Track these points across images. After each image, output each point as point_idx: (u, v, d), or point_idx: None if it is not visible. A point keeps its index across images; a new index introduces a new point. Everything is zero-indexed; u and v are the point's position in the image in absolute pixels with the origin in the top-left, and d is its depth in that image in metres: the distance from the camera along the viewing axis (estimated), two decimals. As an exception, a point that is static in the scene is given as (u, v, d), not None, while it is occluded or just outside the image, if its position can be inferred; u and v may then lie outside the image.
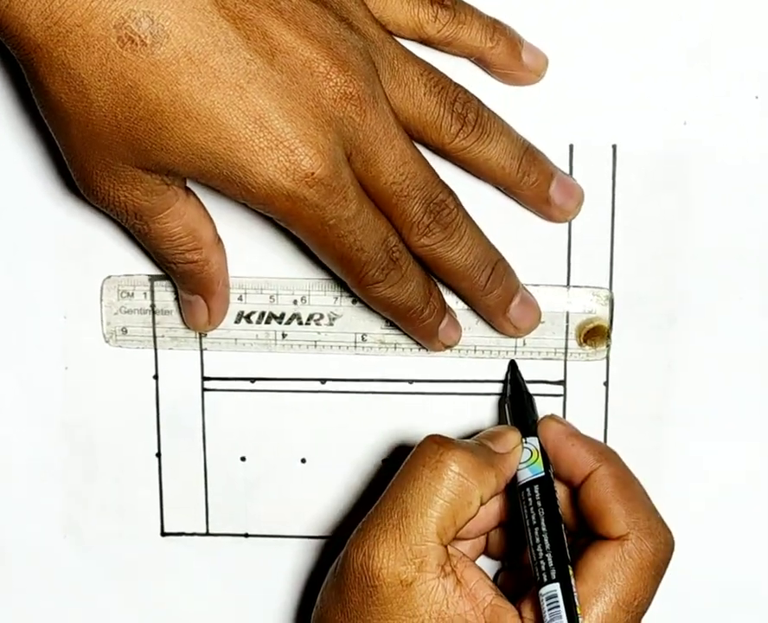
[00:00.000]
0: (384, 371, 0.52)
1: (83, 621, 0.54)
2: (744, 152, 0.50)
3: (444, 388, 0.52)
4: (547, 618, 0.45)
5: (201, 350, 0.52)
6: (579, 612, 0.45)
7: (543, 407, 0.51)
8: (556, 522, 0.47)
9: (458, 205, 0.48)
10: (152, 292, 0.52)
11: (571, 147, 0.50)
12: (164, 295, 0.52)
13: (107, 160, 0.44)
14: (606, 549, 0.46)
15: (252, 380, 0.52)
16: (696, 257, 0.51)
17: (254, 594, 0.54)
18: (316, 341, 0.52)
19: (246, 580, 0.54)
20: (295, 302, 0.51)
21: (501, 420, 0.52)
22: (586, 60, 0.49)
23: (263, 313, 0.52)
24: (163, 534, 0.54)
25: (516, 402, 0.51)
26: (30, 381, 0.52)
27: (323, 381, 0.52)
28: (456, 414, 0.52)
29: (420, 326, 0.49)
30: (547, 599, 0.45)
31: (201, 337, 0.52)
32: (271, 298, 0.51)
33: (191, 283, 0.49)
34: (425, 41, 0.48)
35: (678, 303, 0.51)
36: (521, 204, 0.50)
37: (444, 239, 0.47)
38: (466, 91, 0.48)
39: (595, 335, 0.51)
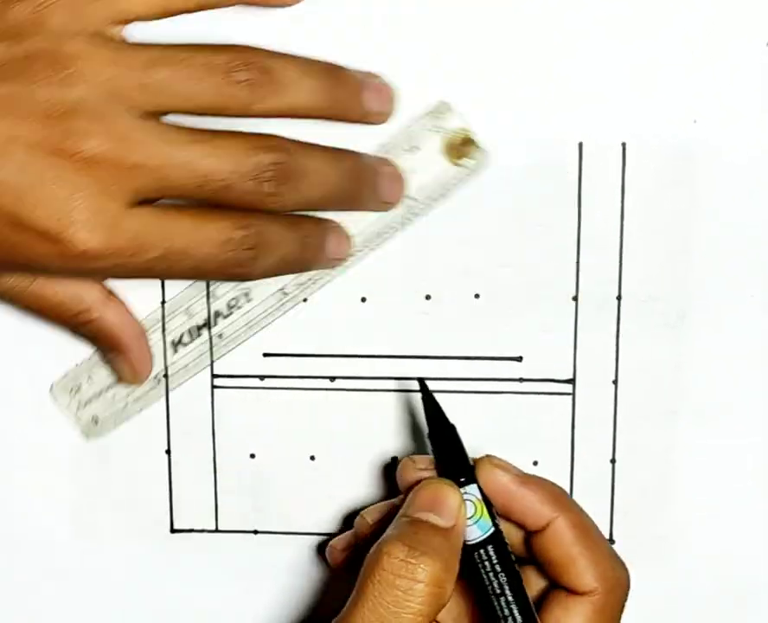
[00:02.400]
0: (393, 369, 0.52)
1: (92, 617, 0.54)
2: (754, 151, 0.50)
3: (453, 386, 0.52)
4: None
5: (211, 347, 0.52)
6: None
7: (552, 406, 0.52)
8: (519, 585, 0.44)
9: (285, 149, 0.45)
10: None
11: (580, 145, 0.50)
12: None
13: None
14: (575, 606, 0.44)
15: (262, 377, 0.52)
16: (706, 255, 0.51)
17: (263, 591, 0.54)
18: (248, 322, 0.51)
19: (256, 576, 0.54)
20: (208, 302, 0.51)
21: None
22: (595, 57, 0.49)
23: (190, 330, 0.52)
24: (173, 531, 0.54)
25: (441, 442, 0.47)
26: (41, 377, 0.53)
27: (333, 378, 0.52)
28: (465, 412, 0.52)
29: (311, 260, 0.48)
30: None
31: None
32: (187, 312, 0.51)
33: (96, 344, 0.49)
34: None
35: (688, 301, 0.51)
36: (527, 206, 0.50)
37: (292, 189, 0.45)
38: (243, 51, 0.45)
39: (467, 146, 0.49)
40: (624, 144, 0.50)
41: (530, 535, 0.46)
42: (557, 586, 0.46)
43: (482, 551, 0.44)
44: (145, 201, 0.44)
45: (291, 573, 0.54)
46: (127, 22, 0.45)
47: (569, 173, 0.50)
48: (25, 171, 0.42)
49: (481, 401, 0.52)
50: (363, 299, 0.52)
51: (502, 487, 0.46)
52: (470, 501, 0.45)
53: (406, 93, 0.49)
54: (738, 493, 0.52)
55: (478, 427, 0.52)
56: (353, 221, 0.50)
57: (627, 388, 0.52)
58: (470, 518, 0.45)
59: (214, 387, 0.52)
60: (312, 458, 0.53)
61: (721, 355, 0.51)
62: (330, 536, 0.53)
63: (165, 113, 0.45)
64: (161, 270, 0.45)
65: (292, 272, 0.49)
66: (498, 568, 0.44)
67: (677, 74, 0.49)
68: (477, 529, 0.44)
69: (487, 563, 0.44)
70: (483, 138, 0.49)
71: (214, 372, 0.52)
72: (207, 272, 0.46)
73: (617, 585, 0.45)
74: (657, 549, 0.53)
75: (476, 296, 0.51)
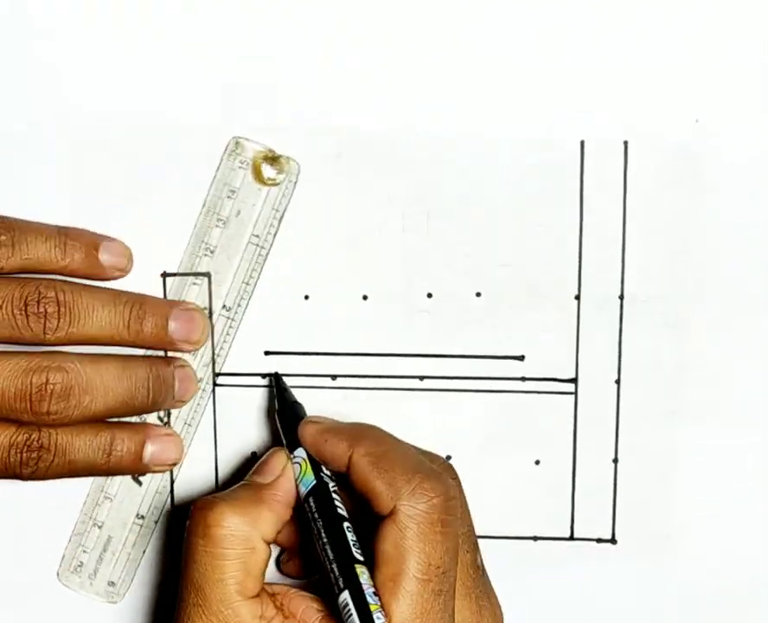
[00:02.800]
0: (395, 368, 0.52)
1: (96, 615, 0.55)
2: (756, 151, 0.49)
3: (455, 385, 0.52)
4: None
5: (213, 346, 0.52)
6: (376, 607, 0.44)
7: (554, 405, 0.51)
8: (337, 527, 0.46)
9: (64, 368, 0.48)
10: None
11: (582, 144, 0.50)
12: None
13: None
14: (384, 529, 0.45)
15: (264, 376, 0.52)
16: (708, 255, 0.50)
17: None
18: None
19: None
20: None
21: (275, 439, 0.52)
22: (597, 56, 0.49)
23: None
24: (175, 529, 0.54)
25: (283, 416, 0.50)
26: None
27: (334, 377, 0.52)
28: (466, 411, 0.52)
29: (117, 467, 0.50)
30: (343, 608, 0.44)
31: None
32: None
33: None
34: None
35: (690, 300, 0.51)
36: (528, 205, 0.50)
37: (72, 406, 0.48)
38: (40, 283, 0.48)
39: (270, 162, 0.50)
40: (625, 143, 0.50)
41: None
42: (375, 516, 0.46)
43: (306, 504, 0.47)
44: None
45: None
46: None
47: (571, 172, 0.50)
48: None
49: (482, 399, 0.52)
50: (365, 298, 0.52)
51: (312, 439, 0.48)
52: (298, 463, 0.48)
53: (408, 92, 0.49)
54: (739, 493, 0.52)
55: (480, 426, 0.52)
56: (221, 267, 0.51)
57: (629, 387, 0.52)
58: (297, 478, 0.48)
59: (215, 385, 0.52)
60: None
61: (723, 354, 0.51)
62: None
63: None
64: None
65: (107, 475, 0.51)
66: (317, 515, 0.46)
67: (679, 74, 0.49)
68: (303, 486, 0.47)
69: (309, 514, 0.47)
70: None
71: (216, 370, 0.52)
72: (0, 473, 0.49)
73: (418, 495, 0.45)
74: (659, 547, 0.53)
75: (478, 295, 0.51)
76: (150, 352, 0.51)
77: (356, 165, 0.50)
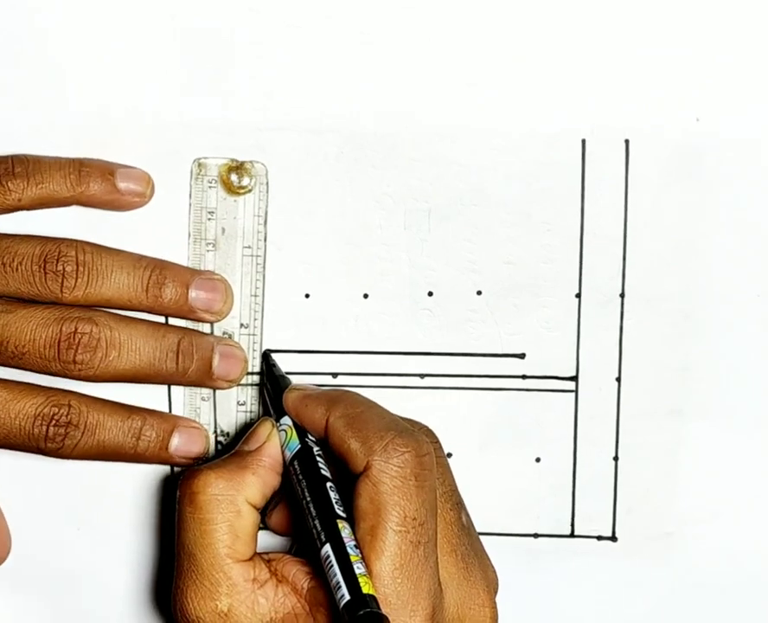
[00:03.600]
0: (396, 366, 0.52)
1: (97, 613, 0.55)
2: (758, 148, 0.49)
3: (456, 383, 0.52)
4: (330, 578, 0.44)
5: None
6: (357, 558, 0.44)
7: (555, 403, 0.51)
8: (320, 486, 0.46)
9: (93, 320, 0.48)
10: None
11: (583, 142, 0.50)
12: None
13: None
14: (360, 486, 0.45)
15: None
16: (710, 253, 0.50)
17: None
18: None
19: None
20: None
21: (265, 411, 0.52)
22: (598, 54, 0.49)
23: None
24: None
25: (271, 388, 0.51)
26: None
27: (335, 375, 0.52)
28: (467, 409, 0.52)
29: (143, 454, 0.50)
30: (325, 560, 0.45)
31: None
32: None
33: None
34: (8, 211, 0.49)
35: (691, 298, 0.51)
36: (530, 203, 0.50)
37: (98, 359, 0.48)
38: (60, 243, 0.48)
39: (235, 173, 0.50)
40: (627, 141, 0.50)
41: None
42: (353, 476, 0.47)
43: (290, 467, 0.48)
44: None
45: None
46: None
47: (572, 170, 0.50)
48: None
49: (483, 397, 0.52)
50: (365, 296, 0.52)
51: (293, 405, 0.49)
52: (283, 430, 0.49)
53: (408, 90, 0.49)
54: (739, 490, 0.52)
55: (481, 424, 0.52)
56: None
57: (630, 385, 0.52)
58: (283, 444, 0.48)
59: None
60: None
61: (724, 353, 0.51)
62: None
63: None
64: None
65: (131, 461, 0.51)
66: (301, 477, 0.47)
67: (680, 72, 0.49)
68: (288, 451, 0.48)
69: (294, 477, 0.47)
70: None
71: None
72: (17, 444, 0.49)
73: (390, 451, 0.45)
74: (659, 545, 0.53)
75: (479, 293, 0.51)
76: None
77: (356, 164, 0.50)
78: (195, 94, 0.50)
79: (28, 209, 0.49)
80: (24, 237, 0.49)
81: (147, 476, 0.53)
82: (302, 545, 0.51)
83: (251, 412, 0.53)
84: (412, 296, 0.51)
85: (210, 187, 0.50)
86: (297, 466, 0.47)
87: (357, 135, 0.50)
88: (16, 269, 0.48)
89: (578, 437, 0.52)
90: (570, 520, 0.53)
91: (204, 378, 0.51)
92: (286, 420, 0.49)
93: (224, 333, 0.52)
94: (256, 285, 0.51)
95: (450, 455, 0.52)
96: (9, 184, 0.48)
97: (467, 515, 0.49)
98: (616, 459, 0.52)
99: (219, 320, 0.51)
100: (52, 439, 0.49)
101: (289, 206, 0.51)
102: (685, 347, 0.51)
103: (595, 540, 0.53)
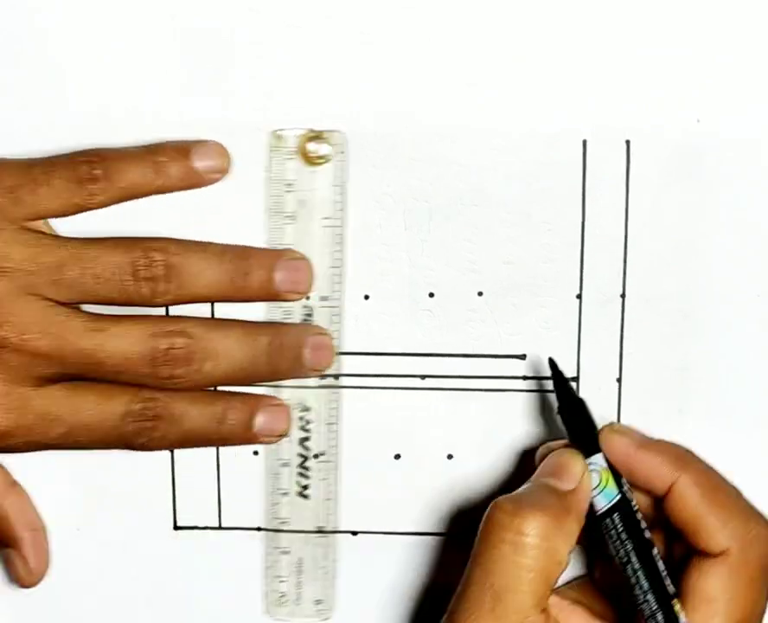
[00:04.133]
0: (396, 367, 0.52)
1: (97, 614, 0.55)
2: (759, 149, 0.49)
3: (456, 384, 0.52)
4: None
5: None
6: None
7: (556, 404, 0.51)
8: (647, 552, 0.44)
9: (187, 333, 0.48)
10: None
11: (584, 142, 0.50)
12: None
13: None
14: (710, 568, 0.43)
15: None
16: (711, 253, 0.50)
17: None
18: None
19: (258, 573, 0.54)
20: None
21: (550, 427, 0.51)
22: (599, 54, 0.49)
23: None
24: (176, 527, 0.54)
25: (570, 415, 0.48)
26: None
27: (337, 376, 0.52)
28: (467, 409, 0.52)
29: (228, 437, 0.50)
30: None
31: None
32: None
33: None
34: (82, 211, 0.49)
35: (692, 299, 0.51)
36: (530, 203, 0.50)
37: (193, 371, 0.48)
38: (148, 247, 0.48)
39: (314, 142, 0.49)
40: (628, 142, 0.50)
41: (659, 500, 0.46)
42: (692, 550, 0.45)
43: (608, 520, 0.45)
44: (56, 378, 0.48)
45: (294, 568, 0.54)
46: (43, 218, 0.49)
47: (573, 170, 0.50)
48: None
49: (484, 398, 0.52)
50: (366, 297, 0.51)
51: (623, 453, 0.46)
52: (596, 471, 0.45)
53: (409, 90, 0.49)
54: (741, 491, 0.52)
55: (481, 425, 0.52)
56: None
57: (631, 386, 0.52)
58: (595, 488, 0.45)
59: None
60: (316, 456, 0.53)
61: (724, 353, 0.51)
62: (334, 533, 0.53)
63: (77, 304, 0.48)
64: (70, 443, 0.49)
65: (216, 445, 0.51)
66: (624, 535, 0.44)
67: (681, 72, 0.49)
68: (603, 499, 0.45)
69: (613, 532, 0.45)
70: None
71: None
72: (112, 443, 0.49)
73: (754, 542, 0.44)
74: (661, 546, 0.53)
75: (480, 294, 0.51)
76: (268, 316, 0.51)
77: (357, 164, 0.50)
78: (195, 94, 0.50)
79: (106, 207, 0.49)
80: (109, 244, 0.48)
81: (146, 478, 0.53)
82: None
83: (331, 383, 0.52)
84: (412, 296, 0.51)
85: (288, 159, 0.49)
86: (618, 522, 0.44)
87: (357, 135, 0.50)
88: (108, 280, 0.47)
89: (578, 437, 0.52)
90: (571, 521, 0.53)
91: (297, 372, 0.50)
92: (599, 459, 0.46)
93: (304, 307, 0.51)
94: (335, 255, 0.50)
95: (450, 456, 0.52)
96: (91, 187, 0.48)
97: None
98: (617, 459, 0.52)
99: (302, 298, 0.50)
100: (140, 433, 0.49)
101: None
102: (685, 347, 0.51)
103: (596, 540, 0.53)
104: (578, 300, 0.51)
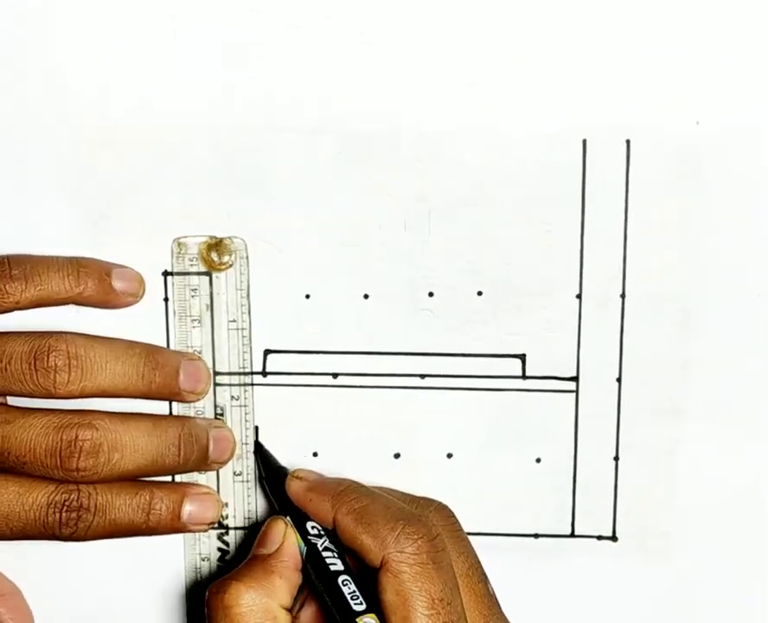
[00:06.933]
0: (396, 366, 0.52)
1: (101, 613, 0.55)
2: (758, 149, 0.49)
3: (456, 384, 0.52)
4: None
5: (213, 346, 0.52)
6: None
7: (556, 404, 0.51)
8: (333, 585, 0.47)
9: (94, 425, 0.48)
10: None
11: (584, 142, 0.50)
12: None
13: None
14: (382, 581, 0.46)
15: (265, 374, 0.52)
16: (711, 253, 0.50)
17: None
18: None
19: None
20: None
21: (268, 499, 0.53)
22: (599, 55, 0.49)
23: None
24: (176, 526, 0.54)
25: (270, 482, 0.51)
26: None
27: (335, 375, 0.52)
28: (467, 409, 0.52)
29: (156, 526, 0.50)
30: None
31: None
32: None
33: None
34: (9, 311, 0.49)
35: (691, 299, 0.51)
36: (530, 203, 0.50)
37: (102, 463, 0.48)
38: (51, 338, 0.48)
39: (214, 250, 0.50)
40: (628, 142, 0.50)
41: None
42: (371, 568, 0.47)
43: (306, 567, 0.48)
44: None
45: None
46: None
47: (573, 170, 0.50)
48: None
49: (484, 398, 0.52)
50: (366, 296, 0.52)
51: (300, 497, 0.49)
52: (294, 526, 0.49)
53: (409, 90, 0.49)
54: (739, 491, 0.52)
55: (481, 424, 0.52)
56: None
57: (631, 385, 0.52)
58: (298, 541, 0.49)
59: (215, 384, 0.52)
60: (315, 454, 0.53)
61: (725, 353, 0.51)
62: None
63: None
64: None
65: (145, 534, 0.51)
66: (315, 579, 0.48)
67: (680, 71, 0.49)
68: (300, 550, 0.48)
69: (311, 578, 0.48)
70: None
71: (216, 369, 0.52)
72: (34, 534, 0.49)
73: (403, 542, 0.46)
74: (659, 545, 0.53)
75: (479, 293, 0.51)
76: (182, 412, 0.52)
77: (356, 164, 0.50)
78: (195, 94, 0.50)
79: (24, 309, 0.49)
80: (12, 335, 0.49)
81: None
82: None
83: (247, 482, 0.53)
84: (412, 296, 0.51)
85: (191, 265, 0.51)
86: (309, 569, 0.48)
87: (357, 135, 0.50)
88: (5, 369, 0.48)
89: (578, 437, 0.52)
90: (570, 520, 0.53)
91: (202, 464, 0.51)
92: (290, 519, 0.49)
93: (216, 406, 0.52)
94: (244, 357, 0.51)
95: (450, 455, 0.52)
96: (7, 287, 0.48)
97: (490, 584, 0.49)
98: (616, 458, 0.52)
99: (199, 399, 0.52)
100: (65, 524, 0.49)
101: (289, 206, 0.51)
102: (685, 347, 0.51)
103: (595, 540, 0.53)
104: (578, 300, 0.51)
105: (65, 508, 0.49)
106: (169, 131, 0.50)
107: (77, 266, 0.49)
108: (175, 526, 0.51)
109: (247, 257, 0.51)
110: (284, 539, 0.48)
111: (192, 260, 0.51)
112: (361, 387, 0.52)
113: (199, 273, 0.51)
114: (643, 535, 0.53)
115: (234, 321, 0.51)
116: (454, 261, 0.51)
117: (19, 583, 0.53)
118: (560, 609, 0.53)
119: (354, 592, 0.47)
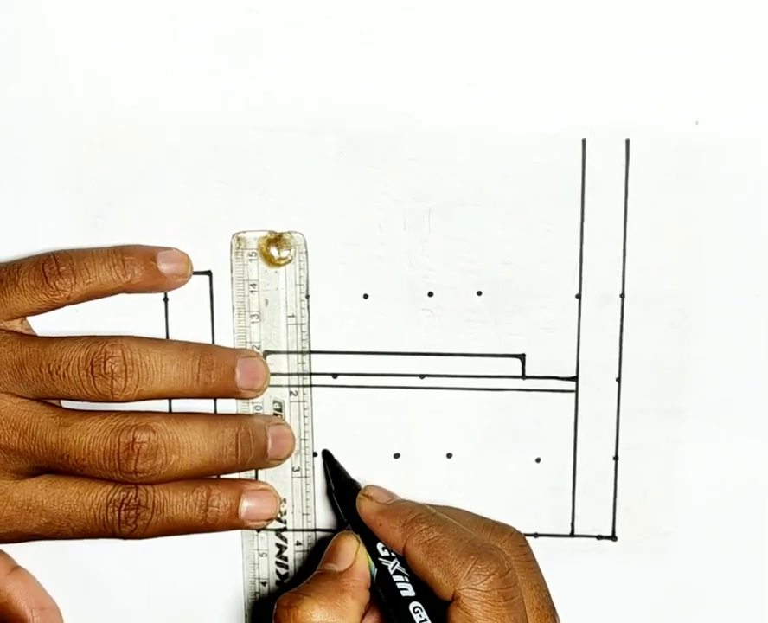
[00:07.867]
0: (396, 366, 0.52)
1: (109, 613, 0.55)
2: (758, 149, 0.49)
3: (456, 383, 0.52)
4: None
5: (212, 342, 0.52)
6: None
7: (555, 403, 0.51)
8: (404, 612, 0.46)
9: (151, 428, 0.48)
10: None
11: (584, 142, 0.50)
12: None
13: None
14: (452, 615, 0.45)
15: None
16: (710, 253, 0.50)
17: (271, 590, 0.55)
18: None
19: (257, 574, 0.54)
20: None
21: (336, 513, 0.53)
22: (599, 54, 0.49)
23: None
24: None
25: (340, 497, 0.51)
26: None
27: (335, 375, 0.52)
28: (467, 409, 0.52)
29: (213, 523, 0.50)
30: None
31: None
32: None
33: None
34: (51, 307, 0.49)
35: (691, 299, 0.51)
36: (530, 203, 0.50)
37: (159, 465, 0.49)
38: (106, 343, 0.48)
39: (273, 245, 0.50)
40: (627, 141, 0.50)
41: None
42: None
43: (377, 591, 0.48)
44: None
45: (295, 566, 0.54)
46: (16, 318, 0.50)
47: (572, 170, 0.50)
48: None
49: (483, 398, 0.52)
50: (365, 296, 0.52)
51: (368, 519, 0.49)
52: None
53: (408, 90, 0.49)
54: (739, 490, 0.52)
55: (481, 424, 0.52)
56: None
57: (630, 385, 0.52)
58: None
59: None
60: (314, 454, 0.53)
61: (724, 353, 0.51)
62: (331, 532, 0.53)
63: (47, 399, 0.49)
64: (52, 534, 0.50)
65: (203, 531, 0.51)
66: (386, 602, 0.47)
67: (680, 71, 0.49)
68: (371, 571, 0.48)
69: (382, 597, 0.48)
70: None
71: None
72: (94, 533, 0.50)
73: (474, 577, 0.45)
74: (659, 544, 0.53)
75: (479, 293, 0.51)
76: (240, 408, 0.52)
77: (357, 164, 0.50)
78: (195, 94, 0.50)
79: (75, 304, 0.49)
80: (69, 340, 0.49)
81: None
82: None
83: (305, 477, 0.53)
84: (412, 296, 0.51)
85: (251, 260, 0.50)
86: (380, 592, 0.48)
87: (357, 135, 0.50)
88: (63, 376, 0.48)
89: (578, 437, 0.52)
90: (570, 520, 0.53)
91: (260, 462, 0.51)
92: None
93: (274, 402, 0.52)
94: (302, 354, 0.51)
95: (450, 455, 0.53)
96: (57, 284, 0.49)
97: (558, 618, 0.49)
98: (616, 458, 0.52)
99: (258, 396, 0.51)
100: (124, 522, 0.49)
101: (289, 206, 0.51)
102: (685, 347, 0.51)
103: (595, 539, 0.53)
104: (577, 300, 0.51)
105: (123, 506, 0.49)
106: (169, 131, 0.50)
107: (121, 254, 0.49)
108: (233, 523, 0.51)
109: (306, 252, 0.51)
110: (356, 558, 0.48)
111: (251, 255, 0.50)
112: (360, 387, 0.52)
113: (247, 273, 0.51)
114: (643, 535, 0.53)
115: (293, 316, 0.51)
116: (454, 261, 0.51)
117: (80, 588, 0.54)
118: (559, 609, 0.53)
119: (425, 620, 0.46)
